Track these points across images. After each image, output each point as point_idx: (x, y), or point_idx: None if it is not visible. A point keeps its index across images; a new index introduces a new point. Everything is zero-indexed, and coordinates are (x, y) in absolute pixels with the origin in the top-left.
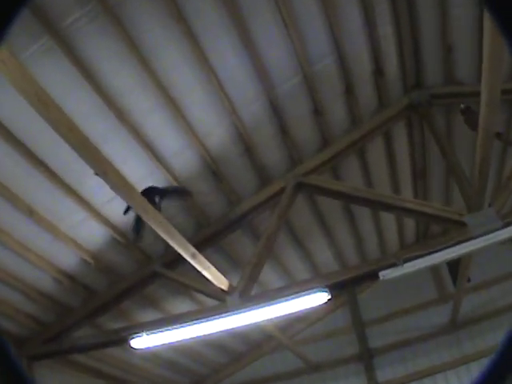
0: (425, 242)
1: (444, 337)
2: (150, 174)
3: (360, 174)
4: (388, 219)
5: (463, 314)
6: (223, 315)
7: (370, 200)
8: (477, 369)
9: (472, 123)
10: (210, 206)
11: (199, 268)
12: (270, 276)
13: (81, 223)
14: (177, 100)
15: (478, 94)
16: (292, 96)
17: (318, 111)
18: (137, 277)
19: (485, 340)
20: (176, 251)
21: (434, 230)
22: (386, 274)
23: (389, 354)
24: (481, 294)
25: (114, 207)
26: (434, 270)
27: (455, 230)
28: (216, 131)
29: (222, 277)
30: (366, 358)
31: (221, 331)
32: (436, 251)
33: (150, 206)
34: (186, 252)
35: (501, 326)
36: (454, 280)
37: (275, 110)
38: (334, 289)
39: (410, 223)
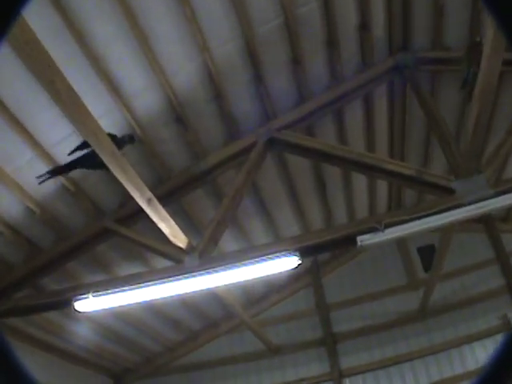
0: (408, 207)
1: (412, 325)
2: (108, 111)
3: (334, 136)
4: (360, 187)
5: (433, 302)
6: (180, 277)
7: (348, 159)
8: (445, 359)
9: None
10: (173, 156)
11: (155, 218)
12: (229, 242)
13: (27, 165)
14: (145, 28)
15: None
16: (271, 40)
17: (297, 60)
18: (86, 233)
19: (455, 330)
20: (130, 206)
21: (407, 200)
22: (364, 240)
23: (353, 339)
24: (453, 282)
25: (65, 149)
26: (404, 255)
27: (444, 196)
28: (185, 69)
29: (181, 232)
30: (330, 343)
31: (177, 303)
32: (421, 217)
33: (103, 133)
34: (141, 196)
35: (473, 316)
36: (425, 266)
37: (251, 53)
38: (305, 254)
39: (382, 192)
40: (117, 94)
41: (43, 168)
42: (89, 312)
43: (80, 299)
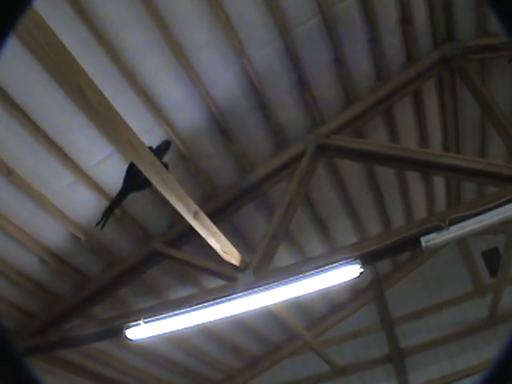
0: (470, 202)
1: (482, 333)
2: (148, 128)
3: (386, 137)
4: (416, 188)
5: (503, 307)
6: (235, 296)
7: (403, 158)
8: None
9: None
10: (219, 171)
11: (203, 233)
12: (283, 257)
13: (68, 189)
14: (178, 37)
15: None
16: (310, 41)
17: (339, 61)
18: (135, 257)
19: None
20: (179, 227)
21: (466, 196)
22: (428, 240)
23: (422, 354)
24: None
25: (105, 170)
26: (468, 260)
27: (507, 187)
28: (224, 77)
29: (232, 247)
30: (397, 359)
31: (236, 328)
32: (485, 210)
33: (139, 142)
34: (187, 209)
35: None
36: (491, 271)
37: (291, 56)
38: (366, 261)
39: (440, 191)
40: (155, 109)
41: (85, 191)
42: (141, 339)
43: (131, 326)
